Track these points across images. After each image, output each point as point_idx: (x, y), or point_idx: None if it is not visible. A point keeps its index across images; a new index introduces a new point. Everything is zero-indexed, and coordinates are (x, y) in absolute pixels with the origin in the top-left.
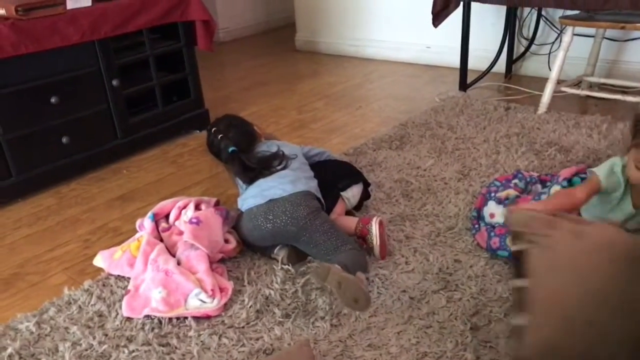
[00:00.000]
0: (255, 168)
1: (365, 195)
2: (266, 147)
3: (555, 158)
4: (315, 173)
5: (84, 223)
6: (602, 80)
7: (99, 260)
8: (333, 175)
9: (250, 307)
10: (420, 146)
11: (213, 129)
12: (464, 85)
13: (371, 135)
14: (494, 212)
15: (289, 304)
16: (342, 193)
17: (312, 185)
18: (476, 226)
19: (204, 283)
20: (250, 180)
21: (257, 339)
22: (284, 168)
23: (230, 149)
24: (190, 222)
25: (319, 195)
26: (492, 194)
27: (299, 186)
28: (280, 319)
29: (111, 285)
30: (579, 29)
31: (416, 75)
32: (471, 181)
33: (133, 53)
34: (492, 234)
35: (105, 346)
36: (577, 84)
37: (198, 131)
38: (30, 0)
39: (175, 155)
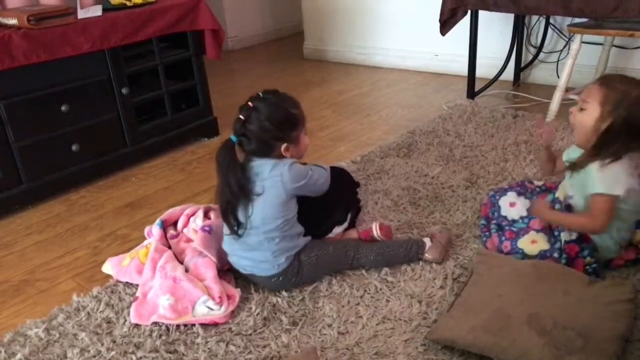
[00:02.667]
0: (232, 188)
1: (356, 213)
2: (258, 177)
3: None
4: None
5: (93, 230)
6: None
7: (108, 267)
8: (317, 218)
9: (257, 314)
10: (427, 154)
11: (249, 101)
12: (471, 93)
13: (379, 143)
14: (515, 201)
15: (296, 312)
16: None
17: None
18: (486, 233)
19: (211, 290)
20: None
21: (264, 347)
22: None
23: (233, 137)
24: (203, 229)
25: (282, 257)
26: (497, 197)
27: (260, 262)
28: (288, 327)
29: (119, 292)
30: (588, 37)
31: (424, 83)
32: (479, 189)
33: (142, 62)
34: (503, 238)
35: (113, 353)
36: None
37: (206, 139)
38: (41, 10)
39: (184, 163)
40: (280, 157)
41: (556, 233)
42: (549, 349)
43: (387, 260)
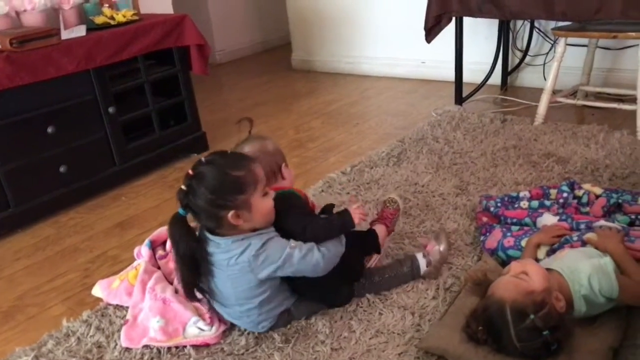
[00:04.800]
0: (186, 262)
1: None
2: (222, 256)
3: (553, 169)
4: None
5: (83, 252)
6: (598, 89)
7: (98, 290)
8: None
9: (249, 333)
10: (417, 162)
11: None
12: (459, 99)
13: (368, 152)
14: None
15: (288, 329)
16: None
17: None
18: (486, 233)
19: (201, 311)
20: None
21: None
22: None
23: (180, 210)
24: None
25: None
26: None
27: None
28: (280, 345)
29: (110, 315)
30: (573, 39)
31: (412, 91)
32: (469, 196)
33: (128, 80)
34: (509, 234)
35: None
36: (573, 93)
37: (196, 154)
38: (24, 33)
39: (174, 180)
40: (234, 227)
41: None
42: None
43: (383, 289)
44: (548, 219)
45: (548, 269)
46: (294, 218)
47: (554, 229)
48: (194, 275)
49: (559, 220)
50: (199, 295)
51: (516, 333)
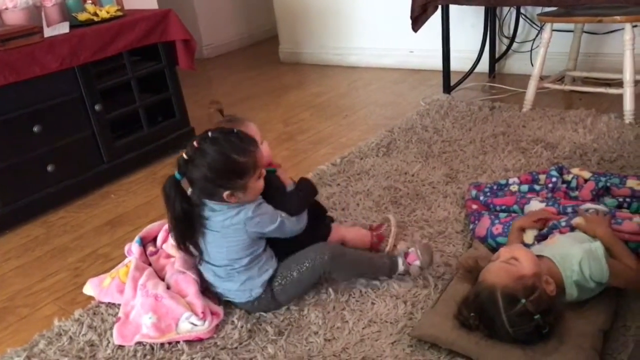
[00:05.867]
0: (180, 220)
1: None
2: (216, 219)
3: (542, 155)
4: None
5: (73, 251)
6: (585, 74)
7: (89, 289)
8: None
9: (242, 327)
10: (407, 151)
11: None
12: (447, 88)
13: (358, 143)
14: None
15: (281, 321)
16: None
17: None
18: (475, 222)
19: (194, 306)
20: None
21: (251, 359)
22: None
23: (177, 174)
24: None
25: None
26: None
27: (234, 291)
28: (273, 337)
29: (102, 314)
30: (559, 25)
31: (401, 81)
32: (459, 184)
33: (114, 77)
34: (497, 221)
35: None
36: (561, 79)
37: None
38: (6, 31)
39: (163, 176)
40: (224, 202)
41: (544, 232)
42: (525, 352)
43: (359, 274)
44: (535, 206)
45: (539, 256)
46: (280, 196)
47: (536, 212)
48: (186, 234)
49: (546, 205)
50: (193, 250)
51: (508, 318)
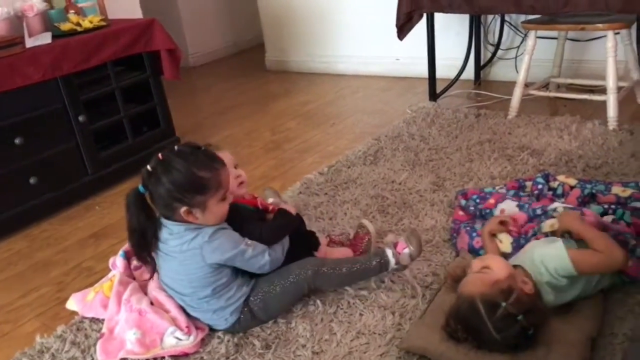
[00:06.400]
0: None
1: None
2: (174, 242)
3: (528, 162)
4: None
5: (56, 265)
6: (569, 81)
7: (72, 304)
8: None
9: (228, 340)
10: (394, 160)
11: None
12: (433, 95)
13: (345, 152)
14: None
15: (268, 334)
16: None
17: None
18: (454, 235)
19: (178, 321)
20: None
21: None
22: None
23: (141, 187)
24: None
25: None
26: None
27: (208, 318)
28: (261, 351)
29: (85, 329)
30: (543, 32)
31: (387, 88)
32: (446, 192)
33: (98, 87)
34: (474, 234)
35: None
36: (545, 85)
37: None
38: None
39: None
40: (185, 221)
41: (522, 242)
42: None
43: (349, 281)
44: (508, 205)
45: (515, 266)
46: (249, 226)
47: (498, 216)
48: (142, 246)
49: (518, 205)
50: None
51: (492, 324)
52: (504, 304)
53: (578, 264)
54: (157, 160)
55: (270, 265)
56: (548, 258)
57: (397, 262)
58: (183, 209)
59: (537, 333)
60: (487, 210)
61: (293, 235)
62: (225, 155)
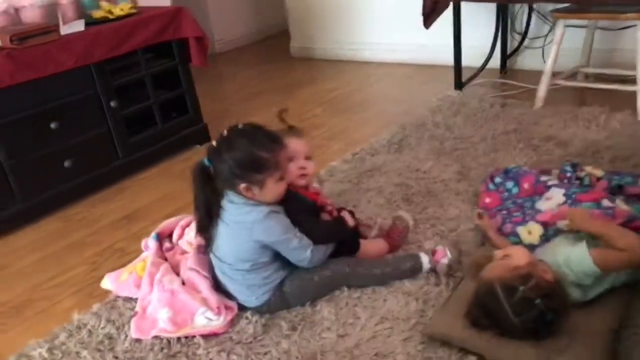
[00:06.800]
0: (201, 206)
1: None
2: (232, 212)
3: (554, 153)
4: None
5: (90, 245)
6: (598, 71)
7: (107, 283)
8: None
9: (256, 321)
10: (418, 148)
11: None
12: (459, 84)
13: (370, 139)
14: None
15: (294, 316)
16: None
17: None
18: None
19: (208, 301)
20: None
21: (265, 354)
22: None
23: (206, 160)
24: (198, 250)
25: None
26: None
27: (240, 293)
28: (287, 332)
29: (119, 308)
30: (572, 21)
31: (413, 76)
32: (471, 181)
33: (129, 74)
34: (507, 220)
35: None
36: (573, 75)
37: (199, 145)
38: (24, 29)
39: (177, 172)
40: (244, 196)
41: (550, 233)
42: (537, 350)
43: (382, 281)
44: (556, 194)
45: (540, 260)
46: (302, 218)
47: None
48: (204, 219)
49: (564, 195)
50: (205, 236)
51: (511, 308)
52: (522, 287)
53: (602, 265)
54: (222, 137)
55: (309, 262)
56: (571, 260)
57: (431, 269)
58: (242, 185)
59: (557, 319)
60: (523, 199)
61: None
62: (299, 144)
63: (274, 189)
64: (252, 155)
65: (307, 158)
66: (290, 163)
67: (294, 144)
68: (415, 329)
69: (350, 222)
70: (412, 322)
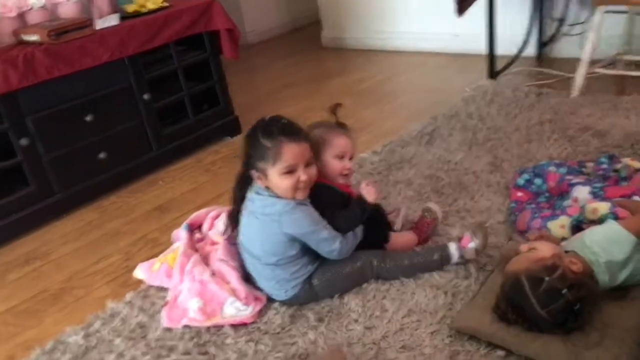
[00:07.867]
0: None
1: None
2: (258, 204)
3: (590, 144)
4: None
5: (125, 235)
6: (639, 58)
7: (139, 272)
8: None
9: (283, 312)
10: (450, 139)
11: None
12: (493, 73)
13: (400, 131)
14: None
15: (322, 308)
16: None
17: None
18: (516, 213)
19: (237, 292)
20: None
21: (292, 344)
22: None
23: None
24: (228, 240)
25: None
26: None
27: (269, 287)
28: (314, 323)
29: (151, 297)
30: (612, 7)
31: (445, 66)
32: (503, 173)
33: (161, 66)
34: (536, 215)
35: (147, 357)
36: (612, 63)
37: (229, 137)
38: (61, 25)
39: (208, 163)
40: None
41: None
42: (566, 345)
43: (410, 273)
44: (581, 192)
45: (566, 252)
46: (328, 210)
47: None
48: (235, 209)
49: (590, 192)
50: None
51: (537, 299)
52: (547, 278)
53: (629, 226)
54: (253, 126)
55: (338, 253)
56: (597, 233)
57: (460, 256)
58: (253, 171)
59: (585, 310)
60: (558, 199)
61: (369, 227)
62: (348, 143)
63: (277, 182)
64: (256, 140)
65: (351, 157)
66: (336, 160)
67: (344, 142)
68: (443, 322)
69: (372, 195)
70: (440, 316)
